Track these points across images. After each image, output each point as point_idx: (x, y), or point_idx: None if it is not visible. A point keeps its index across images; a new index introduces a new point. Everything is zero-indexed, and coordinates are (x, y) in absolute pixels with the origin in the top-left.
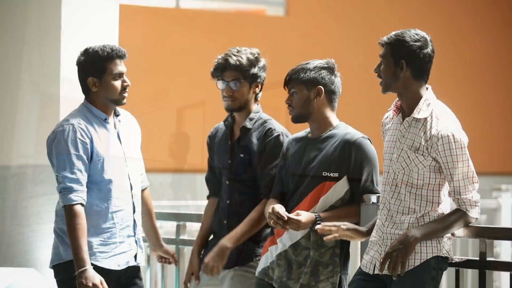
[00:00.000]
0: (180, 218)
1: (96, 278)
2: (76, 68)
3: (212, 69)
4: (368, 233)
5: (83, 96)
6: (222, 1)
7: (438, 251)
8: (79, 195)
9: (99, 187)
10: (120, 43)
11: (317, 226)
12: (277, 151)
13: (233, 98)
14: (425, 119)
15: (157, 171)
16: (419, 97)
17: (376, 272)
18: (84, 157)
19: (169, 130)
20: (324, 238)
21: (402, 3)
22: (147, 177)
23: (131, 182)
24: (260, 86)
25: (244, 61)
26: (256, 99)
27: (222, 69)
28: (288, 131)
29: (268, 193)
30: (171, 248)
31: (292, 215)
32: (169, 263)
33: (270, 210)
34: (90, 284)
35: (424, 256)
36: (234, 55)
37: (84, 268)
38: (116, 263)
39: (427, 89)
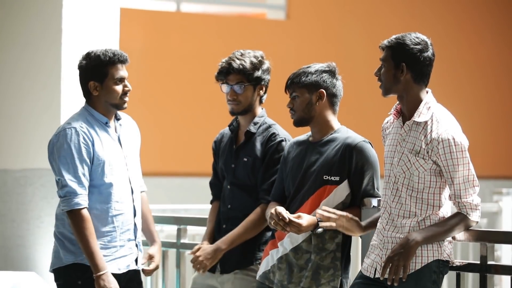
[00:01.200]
0: (181, 221)
1: (116, 284)
2: (77, 71)
3: (216, 73)
4: (366, 228)
5: (83, 100)
6: (222, 5)
7: (439, 254)
8: (84, 199)
9: (99, 190)
10: (121, 46)
11: (317, 210)
12: (278, 157)
13: (237, 101)
14: (426, 122)
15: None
16: (419, 101)
17: (377, 275)
18: (88, 160)
19: (170, 133)
20: (320, 224)
21: (403, 6)
22: (144, 181)
23: (132, 186)
24: (264, 89)
25: (247, 64)
26: (260, 102)
27: (226, 73)
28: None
29: (268, 198)
30: (157, 253)
31: (293, 218)
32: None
33: (272, 211)
34: (112, 286)
35: (425, 260)
36: (238, 59)
37: (105, 271)
38: (116, 267)
39: (427, 92)
